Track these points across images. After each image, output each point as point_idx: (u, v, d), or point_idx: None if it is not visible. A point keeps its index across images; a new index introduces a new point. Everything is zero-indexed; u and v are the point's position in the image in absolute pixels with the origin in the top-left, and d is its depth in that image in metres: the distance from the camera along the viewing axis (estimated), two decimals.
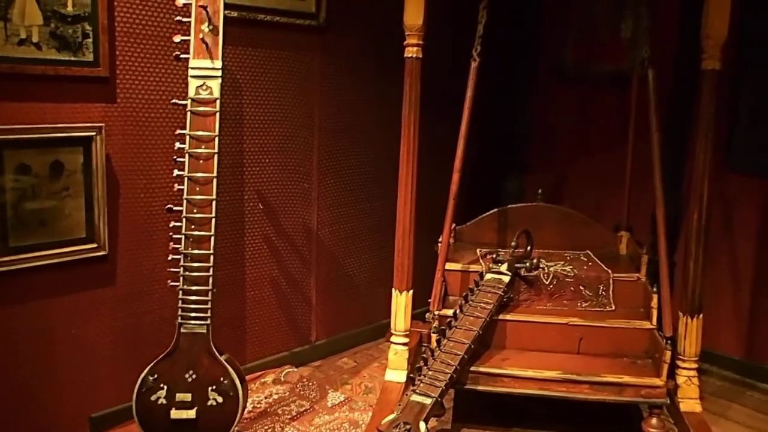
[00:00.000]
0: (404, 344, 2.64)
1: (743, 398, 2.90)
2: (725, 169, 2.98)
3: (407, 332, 2.64)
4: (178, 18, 2.10)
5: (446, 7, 2.68)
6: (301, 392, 2.72)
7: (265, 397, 2.65)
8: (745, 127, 2.97)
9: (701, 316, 2.50)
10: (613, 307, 2.61)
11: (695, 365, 2.52)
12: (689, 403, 2.52)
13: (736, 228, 3.07)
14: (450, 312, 2.47)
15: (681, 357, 2.50)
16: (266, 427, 2.43)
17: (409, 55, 2.49)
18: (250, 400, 2.49)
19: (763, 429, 2.64)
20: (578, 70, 3.48)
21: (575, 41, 3.49)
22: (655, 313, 2.48)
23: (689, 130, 2.99)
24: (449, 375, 2.22)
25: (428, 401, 2.14)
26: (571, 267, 2.70)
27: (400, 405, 2.20)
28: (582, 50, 3.48)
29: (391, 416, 2.11)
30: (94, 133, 2.15)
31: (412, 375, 2.30)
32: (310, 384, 2.80)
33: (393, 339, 2.65)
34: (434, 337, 2.40)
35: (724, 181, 2.99)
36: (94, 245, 2.21)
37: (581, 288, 2.64)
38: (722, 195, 3.01)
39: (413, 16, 2.45)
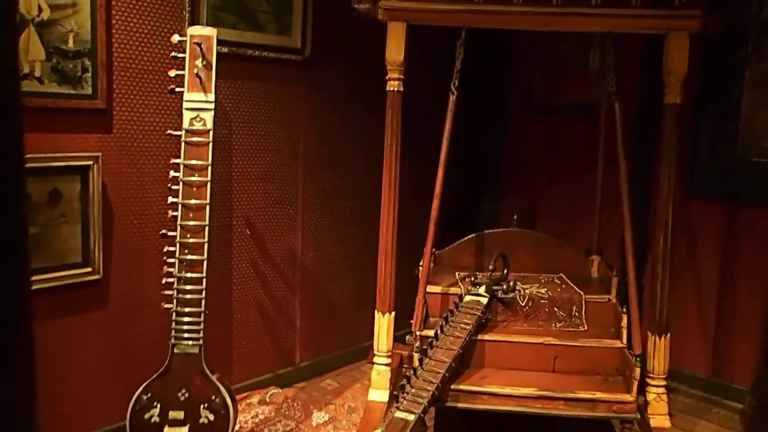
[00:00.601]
0: (387, 365, 2.74)
1: (710, 415, 3.03)
2: (688, 195, 3.15)
3: (389, 353, 2.74)
4: (173, 54, 2.22)
5: (425, 45, 2.84)
6: (287, 412, 2.80)
7: (252, 418, 2.72)
8: (706, 156, 3.15)
9: (668, 335, 2.64)
10: (586, 327, 2.74)
11: (664, 382, 2.65)
12: (659, 419, 2.64)
13: (699, 251, 3.24)
14: (431, 332, 2.58)
15: (650, 375, 2.63)
16: None
17: (391, 89, 2.63)
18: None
19: None
20: (548, 102, 3.67)
21: (544, 75, 3.68)
22: (625, 332, 2.61)
23: (654, 158, 3.17)
24: (431, 392, 2.32)
25: (411, 417, 2.24)
26: (545, 289, 2.83)
27: (384, 421, 2.30)
28: (551, 83, 3.67)
29: None
30: (91, 162, 2.25)
31: (395, 393, 2.39)
32: (295, 404, 2.87)
33: (376, 360, 2.75)
34: (416, 356, 2.50)
35: (687, 207, 3.16)
36: (89, 269, 2.29)
37: (555, 309, 2.77)
38: (686, 220, 3.19)
39: (395, 52, 2.60)
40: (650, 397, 2.63)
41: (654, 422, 2.63)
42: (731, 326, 3.18)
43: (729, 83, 3.07)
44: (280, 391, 2.96)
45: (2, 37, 0.81)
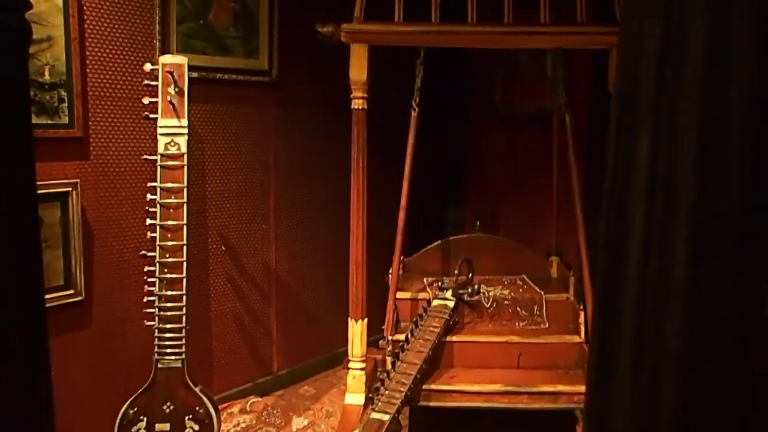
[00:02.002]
0: (361, 369, 2.88)
1: None
2: None
3: (364, 358, 2.87)
4: (146, 82, 2.33)
5: (387, 64, 2.98)
6: (267, 420, 2.91)
7: (234, 426, 2.83)
8: None
9: None
10: (547, 325, 2.92)
11: None
12: None
13: None
14: (402, 336, 2.72)
15: None
16: None
17: (356, 107, 2.77)
18: None
19: None
20: (506, 111, 3.85)
21: (502, 84, 3.86)
22: (583, 328, 2.80)
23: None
24: (404, 393, 2.47)
25: (386, 417, 2.38)
26: (508, 291, 3.00)
27: (361, 423, 2.43)
28: (508, 92, 3.85)
29: None
30: (70, 189, 2.34)
31: (370, 395, 2.53)
32: (275, 411, 2.99)
33: (351, 365, 2.88)
34: (389, 359, 2.64)
35: None
36: (72, 291, 2.38)
37: (518, 309, 2.94)
38: None
39: (358, 72, 2.74)
40: None
41: None
42: None
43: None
44: (260, 399, 3.07)
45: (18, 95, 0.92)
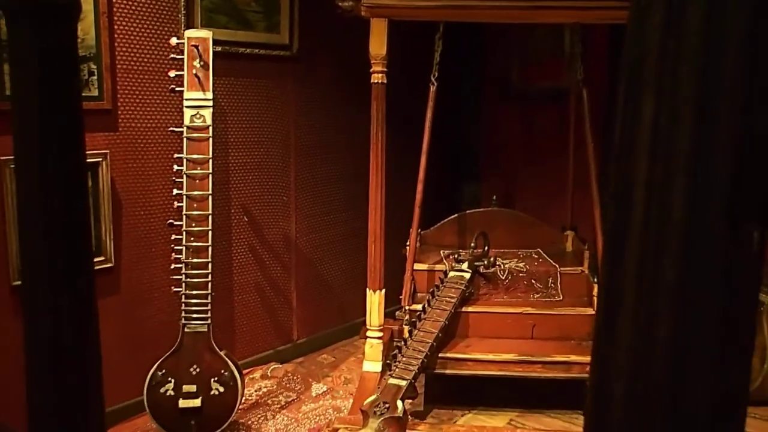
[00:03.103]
0: (379, 338, 2.96)
1: None
2: None
3: (381, 327, 2.96)
4: (173, 55, 2.39)
5: (406, 37, 3.02)
6: (287, 385, 3.02)
7: (255, 391, 2.93)
8: None
9: None
10: (561, 297, 2.98)
11: None
12: None
13: None
14: (419, 306, 2.80)
15: None
16: (259, 416, 2.72)
17: (375, 81, 2.82)
18: None
19: None
20: (522, 88, 3.87)
21: (518, 62, 3.88)
22: (596, 300, 2.86)
23: None
24: (421, 360, 2.55)
25: (403, 383, 2.47)
26: (523, 263, 3.06)
27: (379, 388, 2.52)
28: (525, 70, 3.87)
29: (372, 397, 2.43)
30: (100, 160, 2.42)
31: (388, 362, 2.61)
32: (295, 378, 3.09)
33: (369, 334, 2.97)
34: (406, 328, 2.73)
35: None
36: (102, 258, 2.47)
37: (533, 281, 3.01)
38: None
39: (377, 46, 2.79)
40: None
41: None
42: None
43: None
44: (280, 366, 3.17)
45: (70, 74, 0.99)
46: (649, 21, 0.42)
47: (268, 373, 3.10)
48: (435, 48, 2.85)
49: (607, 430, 0.45)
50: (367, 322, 2.96)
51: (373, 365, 2.95)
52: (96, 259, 2.46)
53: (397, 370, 2.53)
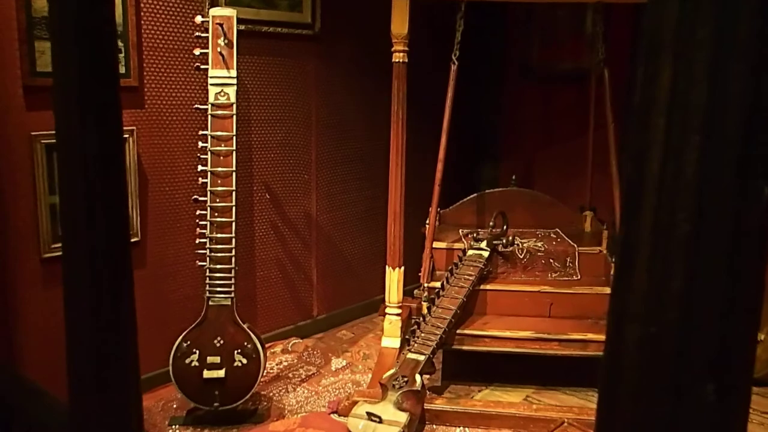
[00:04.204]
0: (398, 315, 3.01)
1: None
2: None
3: (400, 304, 3.01)
4: (197, 34, 2.43)
5: (426, 17, 3.03)
6: (308, 359, 3.08)
7: (276, 365, 3.00)
8: None
9: None
10: (579, 277, 3.00)
11: None
12: None
13: None
14: (438, 284, 2.84)
15: None
16: (280, 388, 2.79)
17: (397, 60, 2.84)
18: None
19: None
20: (543, 69, 3.86)
21: (539, 42, 3.87)
22: (615, 253, 2.86)
23: None
24: (439, 336, 2.60)
25: (422, 358, 2.52)
26: (541, 243, 3.09)
27: (397, 362, 2.58)
28: (545, 50, 3.86)
29: (391, 371, 2.49)
30: (127, 136, 2.47)
31: (407, 337, 2.66)
32: (315, 352, 3.15)
33: (387, 310, 3.02)
34: (425, 305, 2.77)
35: None
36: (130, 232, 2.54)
37: (551, 261, 3.03)
38: None
39: (399, 25, 2.81)
40: None
41: None
42: None
43: None
44: (301, 341, 3.24)
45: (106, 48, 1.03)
46: None
47: (289, 348, 3.16)
48: (456, 27, 2.86)
49: (621, 368, 0.48)
50: (386, 299, 3.01)
51: (392, 341, 3.00)
52: None
53: (415, 345, 2.58)
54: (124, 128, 2.46)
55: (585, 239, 3.21)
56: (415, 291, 3.35)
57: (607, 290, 2.89)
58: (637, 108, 0.48)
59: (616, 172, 2.89)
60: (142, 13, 2.46)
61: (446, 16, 2.90)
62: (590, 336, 2.75)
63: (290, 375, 2.91)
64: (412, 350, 2.56)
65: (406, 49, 2.82)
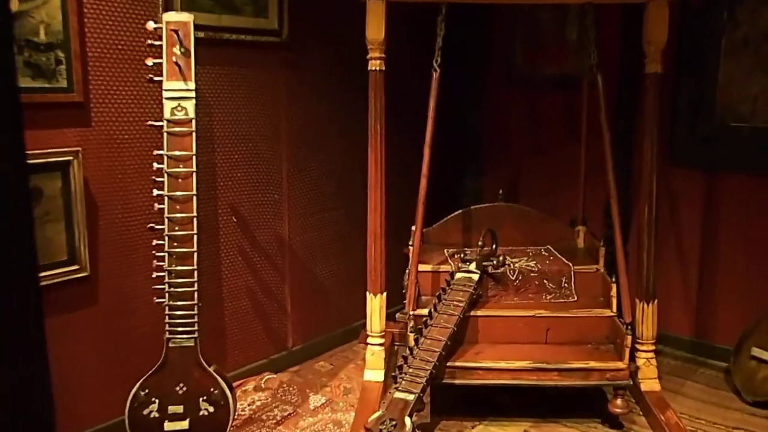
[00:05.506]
0: (380, 344, 2.75)
1: (695, 375, 3.11)
2: (669, 163, 3.18)
3: (383, 333, 2.75)
4: (150, 42, 2.16)
5: (404, 22, 2.80)
6: (283, 397, 2.80)
7: (248, 405, 2.72)
8: (685, 123, 3.18)
9: (656, 301, 2.70)
10: (576, 298, 2.78)
11: (653, 347, 2.71)
12: (649, 382, 2.71)
13: (681, 217, 3.28)
14: (425, 311, 2.59)
15: (639, 340, 2.68)
16: None
17: (373, 68, 2.61)
18: None
19: (716, 402, 2.85)
20: (527, 74, 3.65)
21: (523, 46, 3.66)
22: (614, 301, 2.66)
23: (635, 128, 3.20)
24: (429, 371, 2.35)
25: (411, 397, 2.26)
26: (534, 262, 2.86)
27: (384, 402, 2.31)
28: (529, 55, 3.65)
29: (377, 414, 2.23)
30: (71, 158, 2.18)
31: (394, 374, 2.41)
32: (291, 389, 2.88)
33: (369, 341, 2.76)
34: (411, 336, 2.52)
35: (668, 175, 3.19)
36: (76, 267, 2.24)
37: (545, 281, 2.80)
38: (667, 187, 3.22)
39: (375, 31, 2.57)
40: (640, 362, 2.69)
41: (644, 386, 2.70)
42: (713, 289, 3.25)
43: (706, 51, 3.08)
44: (275, 376, 2.96)
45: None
46: None
47: (262, 385, 2.88)
48: (437, 32, 2.62)
49: None
50: (368, 327, 2.76)
51: (374, 374, 2.74)
52: (69, 268, 2.23)
53: (403, 382, 2.33)
54: (68, 149, 2.18)
55: (579, 256, 2.99)
56: (397, 315, 3.09)
57: (608, 312, 2.68)
58: None
59: (612, 184, 2.68)
60: (86, 19, 2.18)
61: (426, 19, 2.67)
62: (592, 364, 2.53)
63: (264, 417, 2.63)
64: (400, 388, 2.31)
65: (383, 56, 2.59)
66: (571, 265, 2.83)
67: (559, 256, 2.93)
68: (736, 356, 2.92)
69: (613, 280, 2.64)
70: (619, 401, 2.55)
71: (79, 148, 2.21)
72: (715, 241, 3.20)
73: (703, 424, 2.66)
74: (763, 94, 2.98)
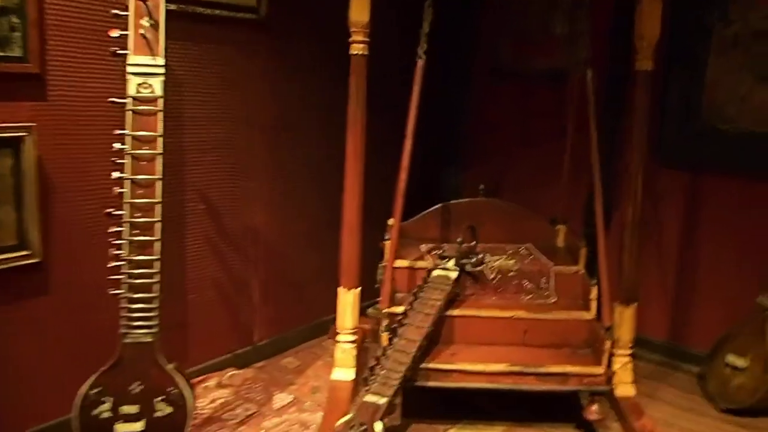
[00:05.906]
0: (351, 342, 2.63)
1: (670, 379, 3.06)
2: (655, 164, 3.10)
3: (355, 330, 2.63)
4: (115, 11, 1.98)
5: (391, 5, 2.67)
6: (247, 395, 2.67)
7: (210, 402, 2.58)
8: (672, 123, 3.11)
9: (635, 304, 2.63)
10: (555, 299, 2.69)
11: (630, 351, 2.64)
12: (624, 387, 2.64)
13: (662, 217, 3.21)
14: (400, 309, 2.48)
15: (616, 344, 2.61)
16: None
17: (355, 52, 2.46)
18: None
19: (690, 407, 2.80)
20: (514, 67, 3.55)
21: (511, 39, 3.55)
22: (594, 304, 2.57)
23: (621, 127, 3.11)
24: (402, 374, 2.23)
25: (383, 401, 2.15)
26: (513, 261, 2.77)
27: (354, 405, 2.20)
28: (518, 48, 3.55)
29: (346, 417, 2.11)
30: (24, 134, 2.01)
31: (365, 376, 2.29)
32: (255, 386, 2.75)
33: (340, 338, 2.63)
34: (385, 335, 2.40)
35: (654, 175, 3.11)
36: (27, 252, 2.07)
37: (524, 282, 2.71)
38: (652, 188, 3.14)
39: (359, 12, 2.43)
40: (616, 366, 2.62)
41: (619, 391, 2.63)
42: (691, 293, 3.20)
43: (695, 49, 3.01)
44: (239, 372, 2.82)
45: None
46: None
47: (225, 381, 2.74)
48: (424, 17, 2.49)
49: None
50: (339, 324, 2.63)
51: (344, 373, 2.62)
52: (19, 253, 2.06)
53: (375, 385, 2.21)
54: (21, 124, 2.01)
55: (560, 256, 2.91)
56: (369, 310, 2.97)
57: (587, 315, 2.59)
58: None
59: (598, 184, 2.59)
60: None
61: (415, 3, 2.53)
62: (570, 369, 2.45)
63: (225, 416, 2.49)
64: (371, 391, 2.19)
65: (367, 39, 2.45)
66: (551, 265, 2.74)
67: (540, 255, 2.84)
68: (711, 362, 2.88)
69: (594, 282, 2.55)
70: (594, 407, 2.47)
71: (34, 124, 2.03)
72: (696, 243, 3.15)
73: (677, 430, 2.61)
74: (750, 95, 2.92)
